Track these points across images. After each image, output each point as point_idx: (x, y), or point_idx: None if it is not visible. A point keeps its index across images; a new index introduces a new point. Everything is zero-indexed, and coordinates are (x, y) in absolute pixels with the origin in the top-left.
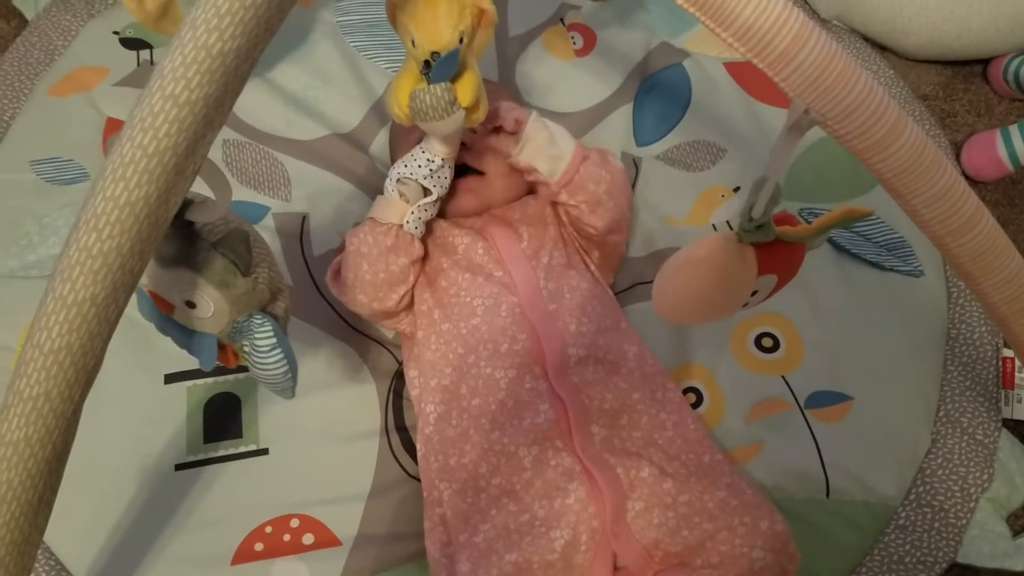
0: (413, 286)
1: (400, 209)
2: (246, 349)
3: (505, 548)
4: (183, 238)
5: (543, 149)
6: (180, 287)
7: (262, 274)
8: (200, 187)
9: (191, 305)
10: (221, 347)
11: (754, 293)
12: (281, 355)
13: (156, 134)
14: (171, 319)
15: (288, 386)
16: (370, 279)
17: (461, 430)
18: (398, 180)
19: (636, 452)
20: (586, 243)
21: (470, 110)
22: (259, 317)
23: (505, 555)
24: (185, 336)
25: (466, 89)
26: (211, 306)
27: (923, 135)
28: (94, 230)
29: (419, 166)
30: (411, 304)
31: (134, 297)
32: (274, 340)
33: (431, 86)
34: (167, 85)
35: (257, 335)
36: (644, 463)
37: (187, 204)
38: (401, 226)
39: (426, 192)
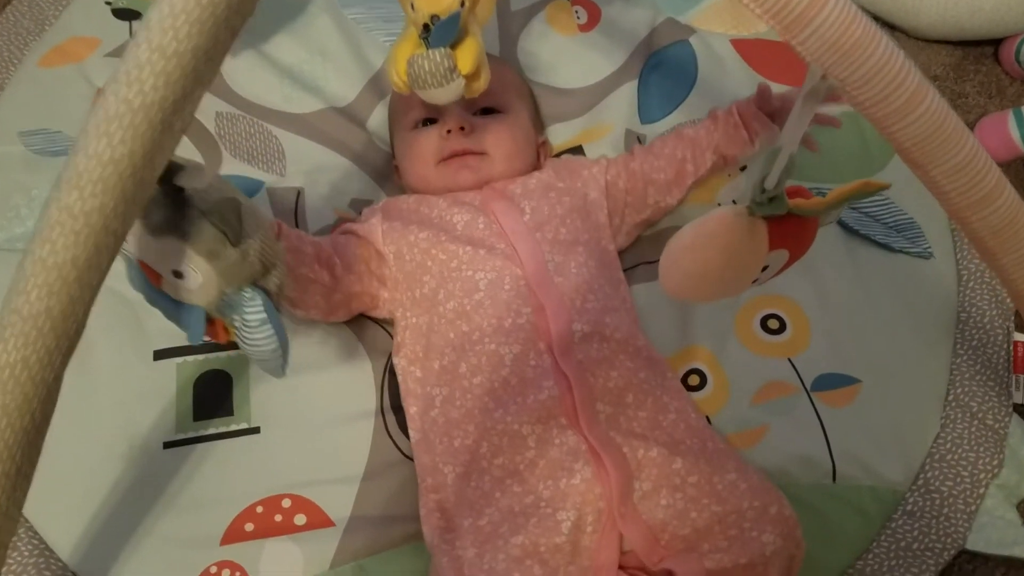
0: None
1: None
2: (236, 324)
3: (511, 531)
4: (172, 205)
5: None
6: (168, 256)
7: (253, 246)
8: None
9: (179, 275)
10: (211, 321)
11: (764, 268)
12: (271, 331)
13: (142, 88)
14: (159, 291)
15: (278, 364)
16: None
17: (465, 410)
18: None
19: (642, 433)
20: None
21: (471, 79)
22: (249, 291)
23: (511, 538)
24: (173, 308)
25: (466, 56)
26: (199, 277)
27: (944, 103)
28: (75, 188)
29: None
30: (371, 293)
31: (122, 269)
32: (264, 315)
33: (430, 52)
34: (154, 36)
35: (247, 309)
36: (652, 443)
37: (177, 169)
38: None
39: None
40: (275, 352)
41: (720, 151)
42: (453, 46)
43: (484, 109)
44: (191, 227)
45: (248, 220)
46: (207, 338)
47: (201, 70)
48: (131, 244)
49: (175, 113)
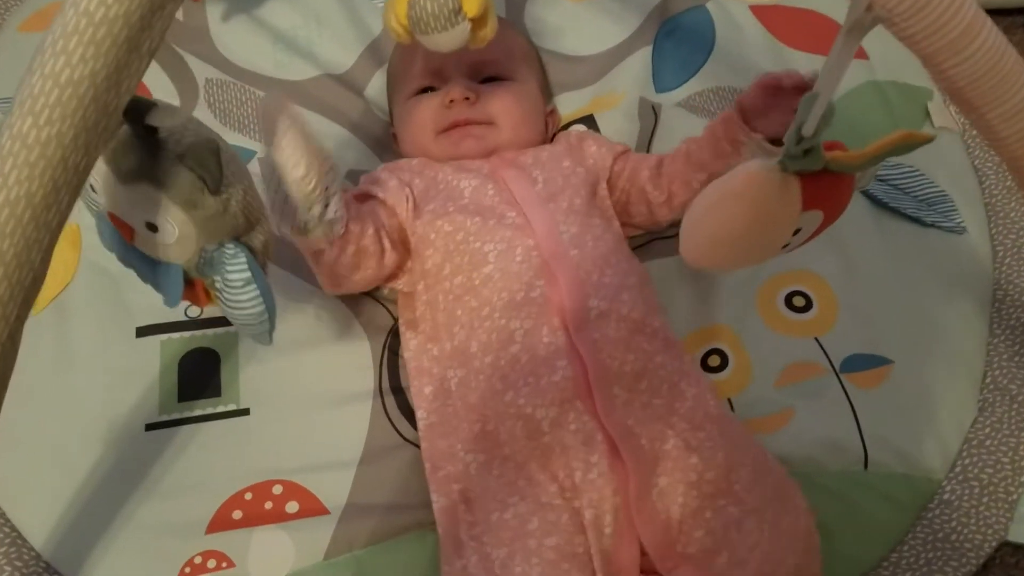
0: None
1: None
2: (217, 285)
3: (543, 530)
4: (145, 149)
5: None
6: (141, 206)
7: (235, 195)
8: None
9: (153, 228)
10: (190, 282)
11: (796, 232)
12: (256, 292)
13: None
14: (133, 248)
15: (265, 329)
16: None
17: (479, 393)
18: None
19: (660, 417)
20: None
21: (477, 25)
22: (231, 247)
23: (544, 540)
24: (149, 267)
25: None
26: (175, 229)
27: (1002, 36)
28: (30, 114)
29: None
30: (402, 264)
31: (99, 240)
32: (248, 274)
33: None
34: None
35: (229, 267)
36: (669, 433)
37: (147, 107)
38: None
39: None
40: (261, 316)
41: (708, 169)
42: None
43: (489, 77)
44: (166, 173)
45: (229, 166)
46: (186, 303)
47: None
48: (100, 194)
49: (143, 30)
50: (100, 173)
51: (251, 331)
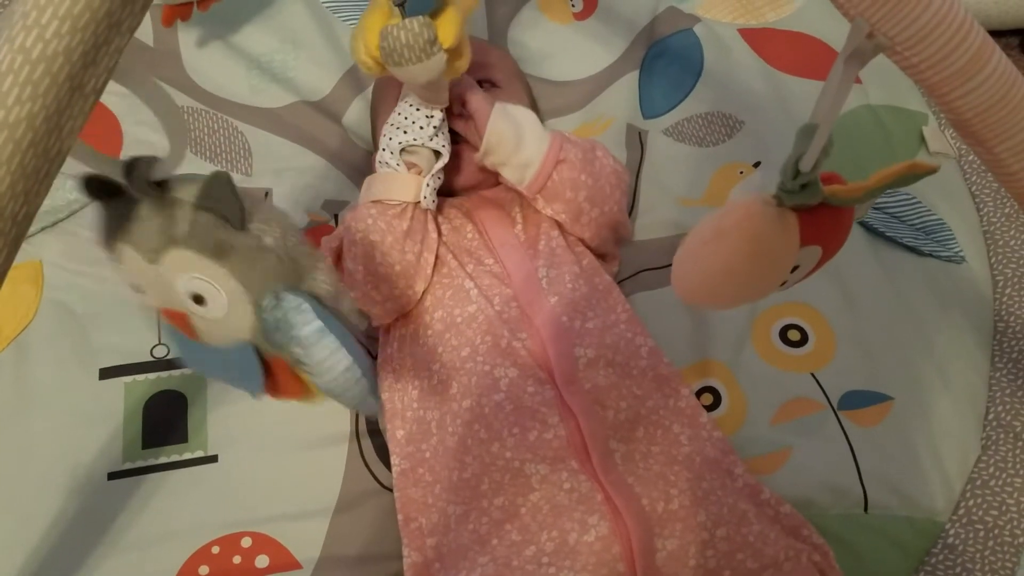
0: (432, 276)
1: (411, 183)
2: (296, 354)
3: None
4: (161, 212)
5: (508, 158)
6: (177, 278)
7: (269, 231)
8: None
9: (200, 301)
10: (268, 366)
11: (794, 269)
12: (335, 343)
13: (42, 34)
14: (199, 344)
15: (363, 388)
16: (385, 272)
17: (458, 438)
18: (403, 150)
19: (660, 473)
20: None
21: (452, 55)
22: (291, 297)
23: None
24: (223, 361)
25: (448, 26)
26: (220, 292)
27: (1011, 64)
28: None
29: (421, 128)
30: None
31: (64, 279)
32: (318, 323)
33: (406, 20)
34: None
35: (295, 321)
36: (672, 492)
37: (149, 164)
38: (416, 203)
39: (437, 155)
40: (348, 372)
41: None
42: (432, 16)
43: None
44: (185, 226)
45: (248, 200)
46: (269, 396)
47: (118, 14)
48: (147, 292)
49: (86, 67)
50: (134, 269)
51: (351, 396)
